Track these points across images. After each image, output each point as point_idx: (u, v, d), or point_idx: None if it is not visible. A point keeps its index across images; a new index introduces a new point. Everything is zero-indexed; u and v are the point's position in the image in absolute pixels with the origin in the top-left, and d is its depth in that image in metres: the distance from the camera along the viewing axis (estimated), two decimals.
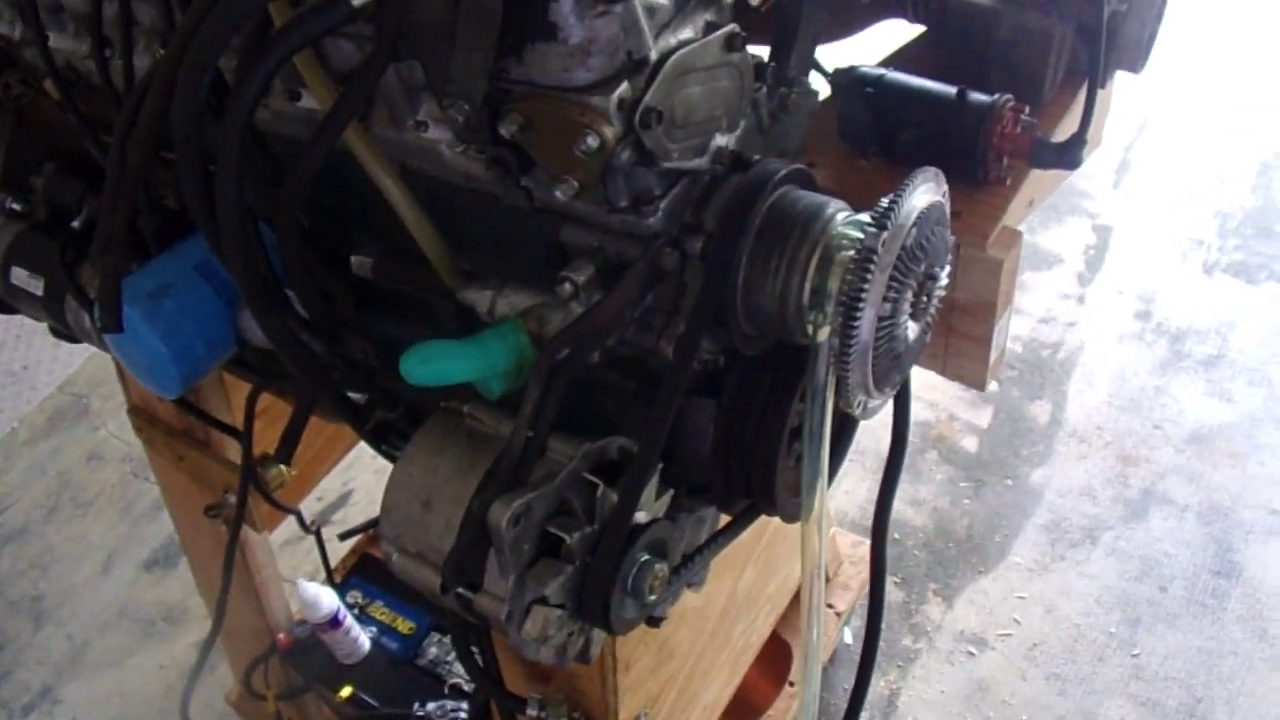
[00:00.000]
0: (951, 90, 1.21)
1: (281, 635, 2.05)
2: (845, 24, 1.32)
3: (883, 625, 1.43)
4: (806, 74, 1.12)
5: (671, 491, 1.01)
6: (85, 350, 3.40)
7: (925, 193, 0.93)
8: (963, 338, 1.32)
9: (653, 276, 0.92)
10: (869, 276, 0.87)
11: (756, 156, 0.96)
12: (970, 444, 2.87)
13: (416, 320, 1.11)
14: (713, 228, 0.93)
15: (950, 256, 1.00)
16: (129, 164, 0.95)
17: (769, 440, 1.03)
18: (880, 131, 1.25)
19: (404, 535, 0.97)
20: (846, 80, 1.26)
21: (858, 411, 0.97)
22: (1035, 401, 2.95)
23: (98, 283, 1.29)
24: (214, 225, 0.92)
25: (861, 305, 0.87)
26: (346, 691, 2.01)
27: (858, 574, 2.31)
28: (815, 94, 1.12)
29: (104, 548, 2.98)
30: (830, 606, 2.31)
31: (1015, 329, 3.11)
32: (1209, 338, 3.07)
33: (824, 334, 0.94)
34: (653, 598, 0.98)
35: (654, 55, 0.85)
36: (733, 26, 0.91)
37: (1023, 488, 2.77)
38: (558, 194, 0.88)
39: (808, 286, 0.91)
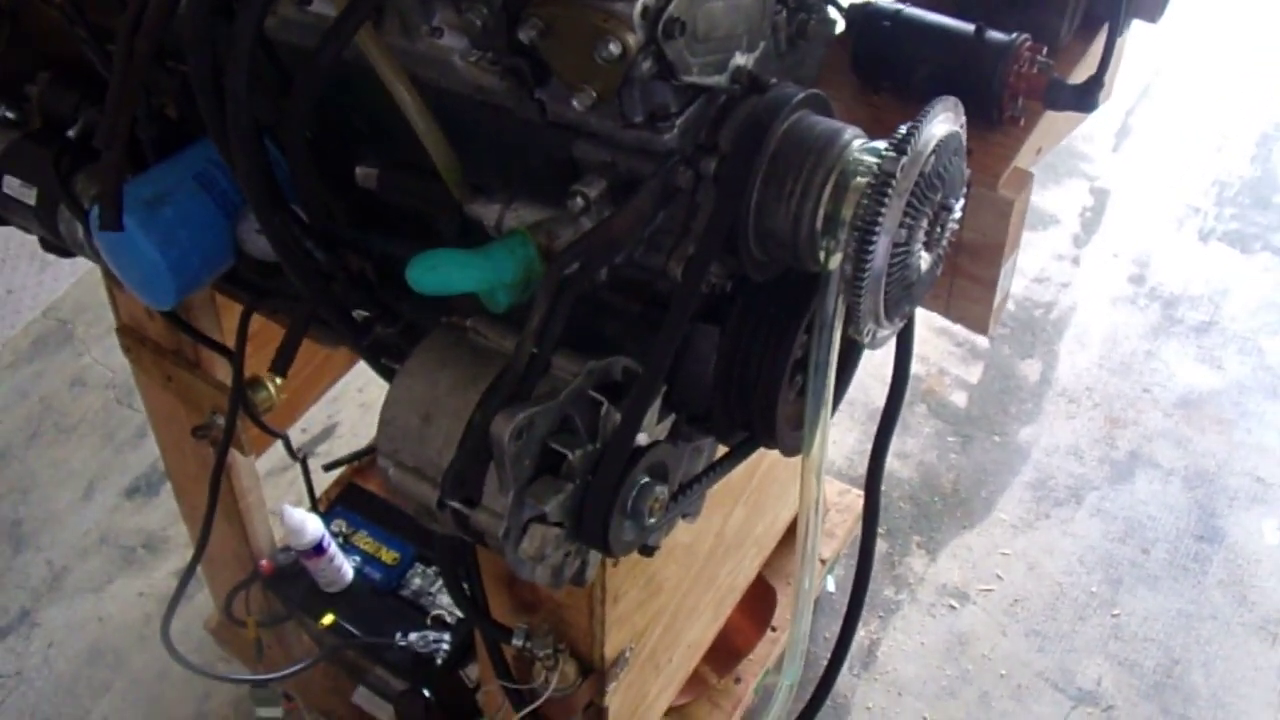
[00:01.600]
0: (969, 27, 1.19)
1: (264, 561, 2.04)
2: None
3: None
4: (826, 1, 1.11)
5: (673, 416, 1.00)
6: (71, 275, 3.37)
7: (944, 121, 0.92)
8: (968, 279, 1.31)
9: (665, 194, 0.91)
10: (886, 201, 0.86)
11: (773, 80, 0.95)
12: (959, 399, 2.87)
13: (419, 236, 1.09)
14: (728, 148, 0.92)
15: (965, 189, 0.99)
16: (135, 58, 0.93)
17: (772, 370, 1.02)
18: (895, 66, 1.23)
19: (401, 449, 0.96)
20: (863, 13, 1.23)
21: (867, 340, 0.96)
22: (1026, 360, 2.95)
23: (94, 193, 1.28)
24: (222, 126, 0.90)
25: (878, 230, 0.86)
26: (328, 619, 2.00)
27: (843, 522, 2.31)
28: (833, 22, 1.10)
29: (85, 474, 2.96)
30: None
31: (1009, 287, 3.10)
32: (1201, 304, 3.07)
33: (835, 262, 0.93)
34: (652, 521, 0.97)
35: None
36: None
37: (1010, 445, 2.78)
38: (574, 104, 0.87)
39: (821, 212, 0.90)
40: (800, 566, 1.18)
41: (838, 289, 0.93)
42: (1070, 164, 3.47)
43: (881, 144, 0.89)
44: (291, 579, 2.03)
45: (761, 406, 1.04)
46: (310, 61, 0.89)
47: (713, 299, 1.00)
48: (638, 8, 0.82)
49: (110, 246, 1.20)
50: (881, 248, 0.88)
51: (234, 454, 1.76)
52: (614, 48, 0.81)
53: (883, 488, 2.61)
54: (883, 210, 0.86)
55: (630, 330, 1.01)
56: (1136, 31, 1.39)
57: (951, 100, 0.93)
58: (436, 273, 0.91)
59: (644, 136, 0.90)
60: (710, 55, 0.89)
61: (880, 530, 2.58)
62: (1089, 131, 3.47)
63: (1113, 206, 3.36)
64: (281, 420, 1.73)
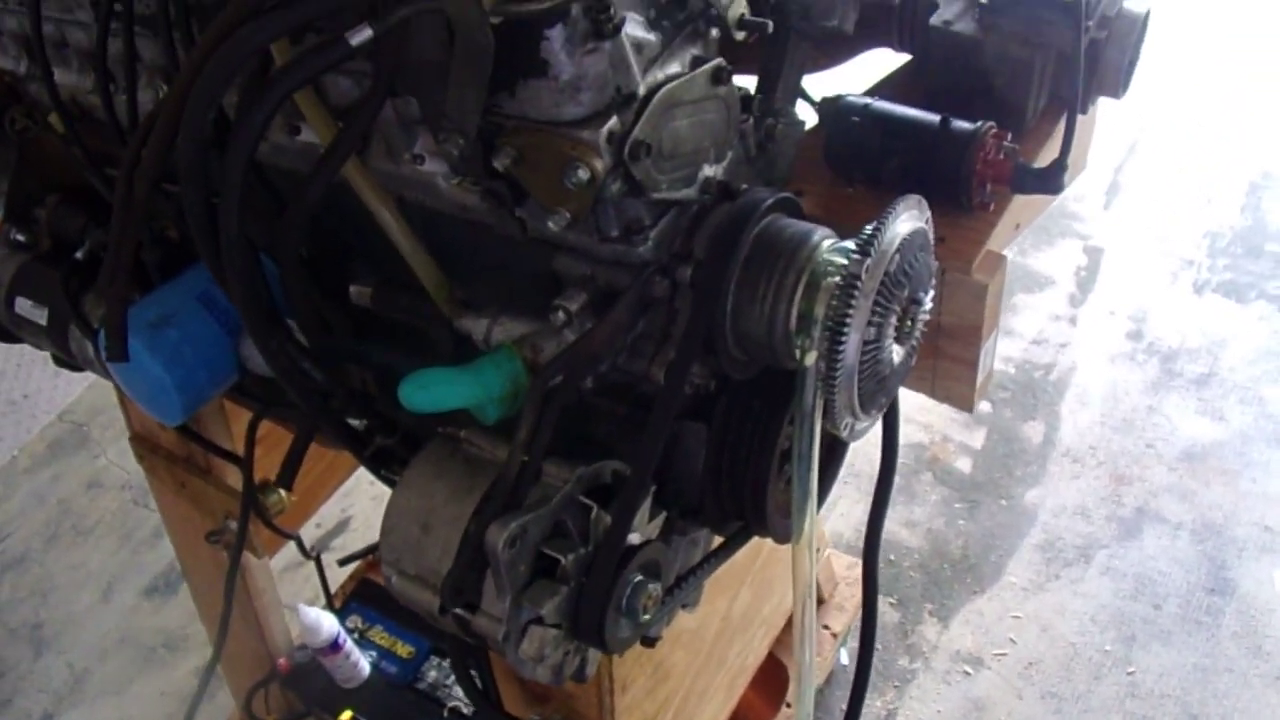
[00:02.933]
0: (935, 118, 1.23)
1: (282, 660, 2.06)
2: (831, 54, 1.34)
3: (878, 646, 1.45)
4: (793, 104, 1.15)
5: (664, 514, 1.04)
6: (84, 379, 3.42)
7: (908, 219, 0.95)
8: (950, 360, 1.35)
9: (643, 304, 0.95)
10: (853, 302, 0.89)
11: (744, 185, 0.99)
12: (964, 465, 2.90)
13: (414, 348, 1.13)
14: (701, 256, 0.95)
15: (934, 281, 1.02)
16: (135, 197, 0.98)
17: (760, 463, 1.05)
18: (866, 159, 1.27)
19: (403, 558, 1.00)
20: (833, 109, 1.28)
21: (845, 434, 0.99)
22: (1028, 422, 2.98)
23: (102, 312, 1.32)
24: (217, 257, 0.95)
25: (846, 330, 0.90)
26: (346, 716, 2.02)
27: (853, 595, 2.33)
28: (801, 124, 1.15)
29: (104, 575, 2.99)
30: (826, 628, 2.32)
31: (1008, 350, 3.14)
32: (1200, 357, 3.10)
33: (811, 358, 0.96)
34: (647, 617, 1.00)
35: (642, 90, 0.88)
36: (719, 61, 0.94)
37: (1017, 508, 2.79)
38: (550, 225, 0.91)
39: (794, 312, 0.94)
40: (798, 649, 1.20)
41: (814, 384, 0.97)
42: (1063, 224, 3.51)
43: (850, 244, 0.93)
44: (309, 676, 2.05)
45: (752, 497, 1.07)
46: (300, 193, 0.94)
47: (698, 398, 1.04)
48: (603, 134, 0.86)
49: (120, 366, 1.24)
50: (852, 345, 0.91)
51: (248, 556, 1.79)
52: (583, 173, 0.86)
53: (892, 557, 2.66)
54: (851, 309, 0.89)
55: (618, 432, 1.04)
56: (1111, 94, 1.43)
57: (915, 198, 0.97)
58: (427, 392, 0.95)
59: (620, 250, 0.94)
60: (678, 171, 0.93)
61: (891, 600, 2.60)
62: (1080, 191, 3.52)
63: (1107, 264, 3.40)
64: (294, 520, 1.76)
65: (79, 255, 1.38)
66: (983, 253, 1.27)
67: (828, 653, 2.34)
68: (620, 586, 0.96)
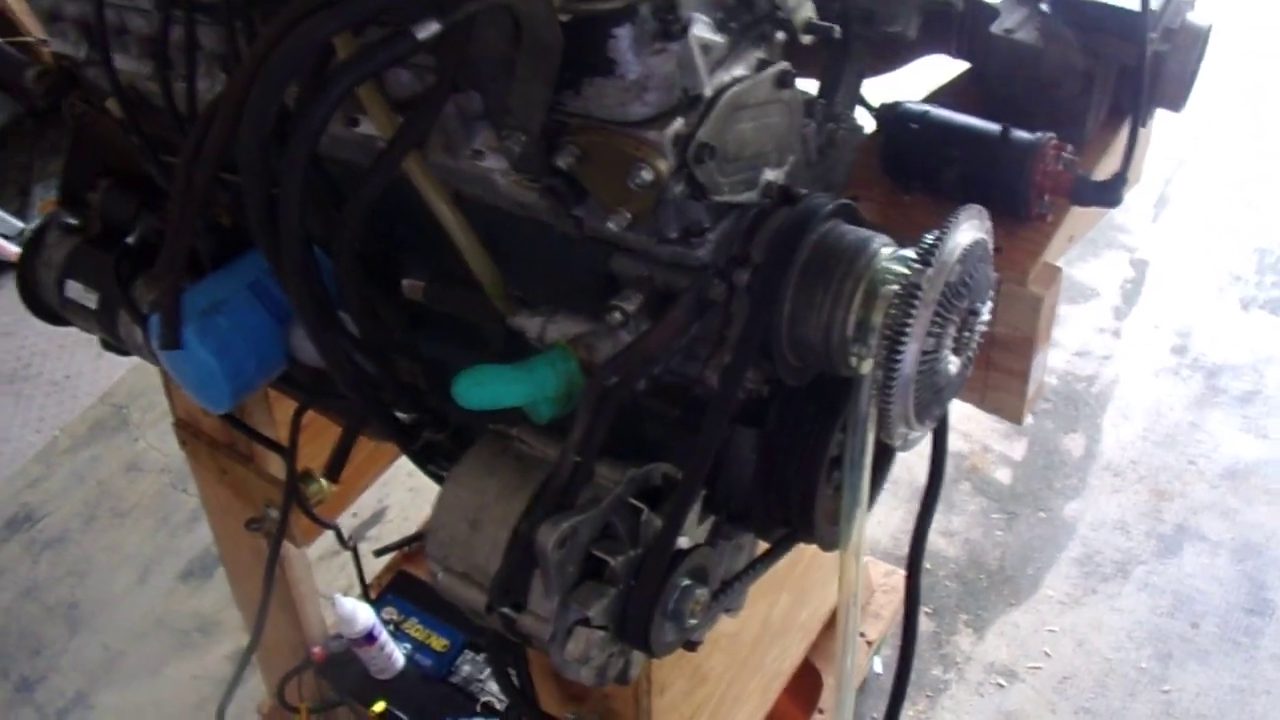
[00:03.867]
0: (995, 128, 1.22)
1: (317, 649, 2.07)
2: (889, 59, 1.33)
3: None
4: (853, 109, 1.14)
5: (713, 518, 1.03)
6: (126, 362, 3.44)
7: (970, 229, 0.95)
8: (1001, 371, 1.34)
9: (700, 307, 0.94)
10: (913, 311, 0.88)
11: (804, 190, 0.98)
12: (1004, 476, 2.88)
13: (465, 343, 1.13)
14: (760, 260, 0.95)
15: (992, 292, 1.01)
16: (195, 187, 0.98)
17: (809, 469, 1.04)
18: (924, 167, 1.26)
19: (450, 554, 0.99)
20: (892, 116, 1.27)
21: (898, 443, 0.98)
22: (1069, 434, 2.95)
23: (152, 298, 1.33)
24: (275, 248, 0.95)
25: (905, 339, 0.89)
26: (379, 707, 2.02)
27: (889, 603, 2.32)
28: (861, 129, 1.14)
29: (141, 557, 3.01)
30: (861, 635, 2.31)
31: (1050, 361, 3.11)
32: (1245, 374, 3.06)
33: (867, 366, 0.96)
34: (693, 622, 1.00)
35: (708, 92, 0.88)
36: (784, 64, 0.94)
37: (1055, 520, 2.77)
38: (610, 225, 0.90)
39: (852, 319, 0.93)
40: (840, 656, 1.20)
41: (869, 393, 0.96)
42: (1109, 236, 3.48)
43: (909, 252, 0.92)
44: (343, 666, 2.06)
45: (800, 504, 1.06)
46: (360, 187, 0.93)
47: (750, 402, 1.03)
48: (669, 135, 0.85)
49: (169, 353, 1.24)
50: (910, 354, 0.90)
51: (286, 544, 1.79)
52: (646, 174, 0.85)
53: (928, 566, 2.64)
54: (910, 319, 0.88)
55: (670, 434, 1.04)
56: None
57: (976, 208, 0.96)
58: (482, 389, 0.94)
59: (679, 252, 0.94)
60: (740, 174, 0.92)
61: (927, 609, 2.59)
62: (1127, 203, 3.46)
63: (1153, 277, 3.37)
64: (332, 509, 1.76)
65: (130, 240, 1.38)
66: (1039, 264, 1.26)
67: (862, 660, 2.33)
68: (668, 590, 0.96)
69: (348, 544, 1.82)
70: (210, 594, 2.88)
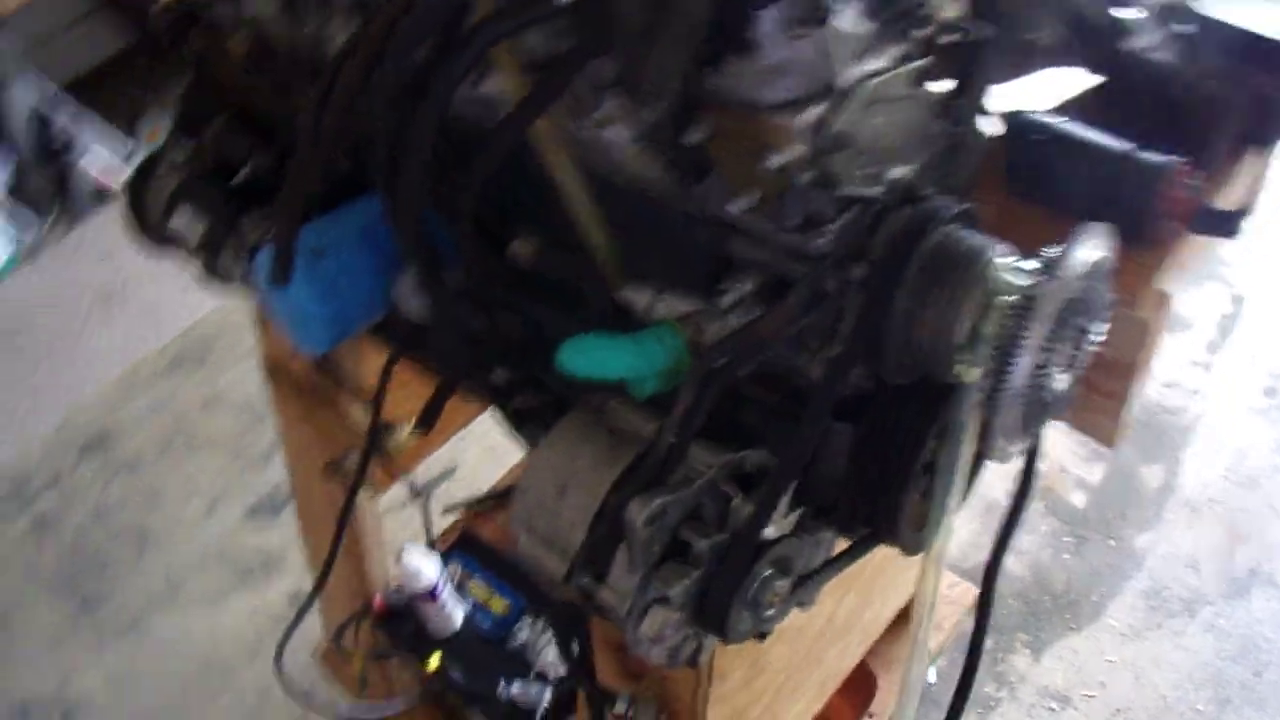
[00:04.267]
0: (1125, 147, 1.20)
1: (377, 598, 2.08)
2: (1021, 65, 1.31)
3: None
4: (982, 113, 1.12)
5: (801, 510, 1.02)
6: (216, 297, 3.49)
7: (1095, 247, 0.93)
8: (1099, 393, 1.31)
9: (814, 298, 0.93)
10: (1029, 323, 0.87)
11: (928, 191, 0.97)
12: (1078, 499, 2.83)
13: (569, 309, 1.13)
14: (878, 257, 0.94)
15: (1108, 313, 0.99)
16: (323, 132, 0.98)
17: (901, 472, 1.03)
18: (1047, 178, 1.24)
19: (535, 517, 0.99)
20: (1018, 124, 1.25)
21: (995, 456, 0.97)
22: (1150, 465, 2.90)
23: (258, 235, 1.34)
24: (395, 199, 0.95)
25: (1019, 351, 0.87)
26: (434, 662, 2.03)
27: (951, 615, 2.29)
28: (984, 135, 1.12)
29: (211, 490, 3.05)
30: None
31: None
32: None
33: (972, 375, 0.94)
34: (769, 613, 0.99)
35: (847, 82, 0.86)
36: (925, 61, 0.92)
37: (1126, 550, 2.73)
38: (732, 207, 0.90)
39: (965, 326, 0.92)
40: (911, 660, 1.19)
41: (972, 402, 0.95)
42: (1209, 267, 3.41)
43: (1030, 264, 0.91)
44: (401, 619, 2.07)
45: (887, 506, 1.05)
46: (486, 147, 0.93)
47: (848, 399, 1.02)
48: (804, 122, 0.84)
49: (270, 291, 1.25)
50: (1020, 368, 0.89)
51: (359, 493, 1.80)
52: (777, 159, 0.84)
53: None
54: (1025, 332, 0.87)
55: (766, 422, 1.03)
56: None
57: (1103, 226, 0.94)
58: (587, 357, 0.94)
59: (798, 240, 0.92)
60: (869, 168, 0.91)
61: None
62: None
63: (1250, 314, 3.30)
64: (407, 462, 1.77)
65: (242, 176, 1.39)
66: (1150, 290, 1.24)
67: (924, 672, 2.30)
68: (750, 578, 0.95)
69: (419, 497, 1.83)
70: (275, 532, 2.92)
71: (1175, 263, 1.30)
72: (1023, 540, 2.74)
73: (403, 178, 0.93)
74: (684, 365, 0.97)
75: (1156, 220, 1.21)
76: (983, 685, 2.47)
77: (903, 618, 2.00)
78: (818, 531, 1.11)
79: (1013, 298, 0.89)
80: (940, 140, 1.03)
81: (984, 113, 1.14)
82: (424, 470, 2.93)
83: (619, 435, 0.98)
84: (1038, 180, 1.25)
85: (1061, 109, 1.34)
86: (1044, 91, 1.39)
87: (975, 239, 0.95)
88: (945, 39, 0.95)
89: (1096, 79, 1.36)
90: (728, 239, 0.96)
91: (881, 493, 1.04)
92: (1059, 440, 2.91)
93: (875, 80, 0.88)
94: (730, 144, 0.87)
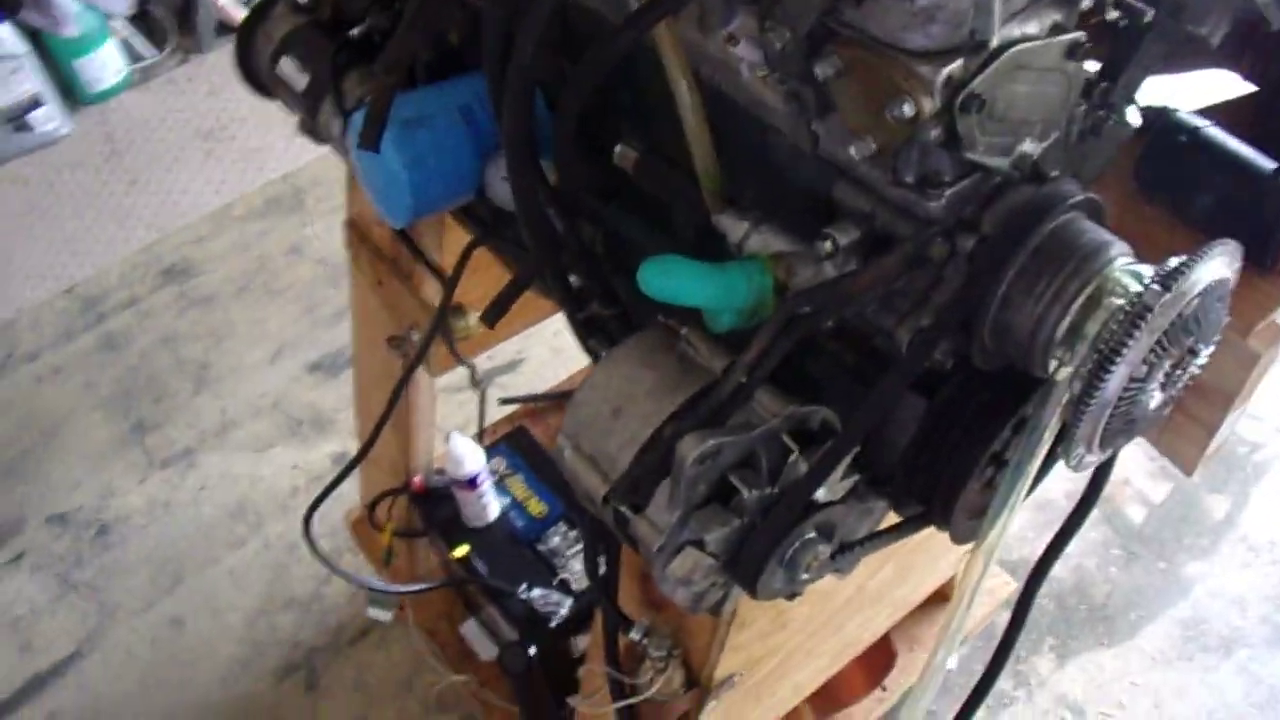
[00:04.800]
0: (1269, 164, 1.13)
1: (418, 478, 2.08)
2: (1178, 61, 1.24)
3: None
4: (1129, 103, 1.06)
5: (856, 477, 0.98)
6: (316, 149, 3.48)
7: (1219, 265, 0.87)
8: (1189, 418, 1.26)
9: (916, 260, 0.88)
10: (1137, 333, 0.82)
11: (1054, 172, 0.91)
12: (1136, 514, 2.77)
13: (657, 226, 1.09)
14: (990, 231, 0.88)
15: (1218, 337, 0.94)
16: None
17: (967, 458, 0.98)
18: (1179, 183, 1.17)
19: (583, 434, 0.96)
20: (1161, 121, 1.18)
21: (1071, 463, 0.92)
22: (1216, 494, 2.82)
23: (360, 93, 1.31)
24: (501, 81, 0.91)
25: (1119, 360, 0.82)
26: (461, 551, 2.03)
27: (985, 605, 2.25)
28: (1130, 126, 1.06)
29: (278, 339, 3.07)
30: None
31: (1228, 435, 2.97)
32: None
33: (1063, 373, 0.89)
34: (805, 576, 0.96)
35: (995, 41, 0.81)
36: (1079, 34, 0.86)
37: (1174, 575, 2.66)
38: (849, 150, 0.85)
39: (1067, 322, 0.86)
40: (942, 645, 1.16)
41: (1059, 402, 0.90)
42: None
43: (1147, 269, 0.85)
44: (438, 502, 2.07)
45: (946, 489, 1.01)
46: (602, 46, 0.89)
47: (927, 372, 0.98)
48: (942, 75, 0.79)
49: (362, 154, 1.23)
50: (1117, 377, 0.84)
51: (419, 370, 1.79)
52: (907, 108, 0.79)
53: None
54: (1130, 341, 0.82)
55: (837, 378, 0.99)
56: None
57: (1232, 245, 0.88)
58: (669, 279, 0.90)
59: (910, 198, 0.87)
60: (1000, 136, 0.86)
61: None
62: None
63: None
64: (472, 348, 1.75)
65: (355, 32, 1.36)
66: (1267, 321, 1.17)
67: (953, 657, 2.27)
68: (792, 538, 0.91)
69: (477, 385, 1.81)
70: (331, 392, 2.93)
71: None
72: (1072, 544, 2.67)
73: (513, 59, 0.89)
74: (766, 306, 0.93)
75: None
76: (1001, 682, 2.43)
77: (935, 598, 1.96)
78: (870, 500, 1.07)
79: (1124, 302, 0.84)
80: (1079, 122, 0.97)
81: (1132, 101, 1.08)
82: (488, 359, 2.94)
83: (685, 365, 0.94)
84: (1170, 182, 1.18)
85: (1208, 112, 1.27)
86: (1193, 91, 1.32)
87: (1099, 233, 0.89)
88: (1108, 16, 0.89)
89: (1250, 88, 1.29)
90: (837, 183, 0.92)
91: (943, 474, 0.99)
92: (1130, 450, 2.82)
93: (1025, 45, 0.82)
94: (860, 84, 0.82)
